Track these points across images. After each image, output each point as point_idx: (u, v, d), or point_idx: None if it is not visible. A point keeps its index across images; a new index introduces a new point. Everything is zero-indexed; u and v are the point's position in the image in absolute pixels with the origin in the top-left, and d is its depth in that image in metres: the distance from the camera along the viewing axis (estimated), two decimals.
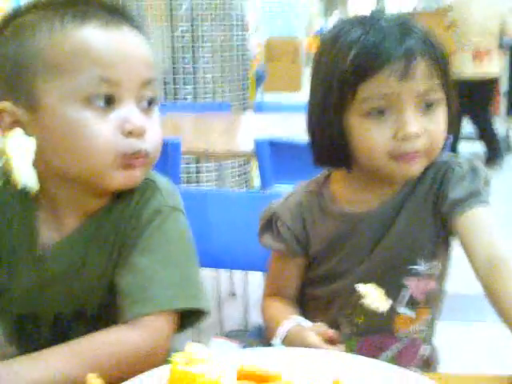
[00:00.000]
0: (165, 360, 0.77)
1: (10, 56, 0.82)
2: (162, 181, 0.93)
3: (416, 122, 0.93)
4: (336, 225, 1.04)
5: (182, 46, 3.51)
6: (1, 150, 0.80)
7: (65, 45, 0.79)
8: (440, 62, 0.94)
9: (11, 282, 0.90)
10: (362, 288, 0.87)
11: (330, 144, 0.99)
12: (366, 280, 0.95)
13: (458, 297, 2.65)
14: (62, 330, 0.91)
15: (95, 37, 0.80)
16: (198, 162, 3.52)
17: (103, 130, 0.80)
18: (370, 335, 1.05)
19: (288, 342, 0.93)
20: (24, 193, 0.87)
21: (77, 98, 0.79)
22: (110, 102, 0.81)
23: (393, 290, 1.02)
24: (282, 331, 0.94)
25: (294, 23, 10.92)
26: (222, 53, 3.59)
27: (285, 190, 1.14)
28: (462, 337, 2.45)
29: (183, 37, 3.51)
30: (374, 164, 0.97)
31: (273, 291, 1.12)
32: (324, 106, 0.98)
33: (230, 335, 1.22)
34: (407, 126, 0.92)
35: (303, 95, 9.10)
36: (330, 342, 0.87)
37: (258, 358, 0.71)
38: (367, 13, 1.03)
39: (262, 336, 1.18)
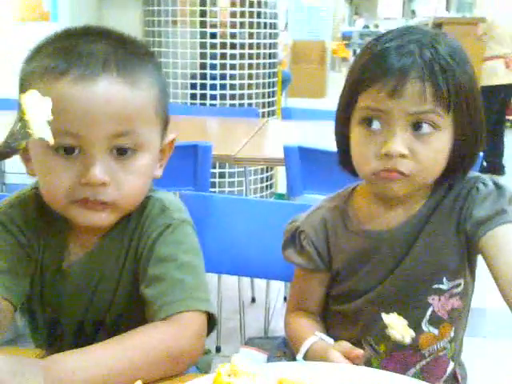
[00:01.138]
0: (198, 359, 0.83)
1: (21, 89, 0.87)
2: (168, 198, 0.97)
3: (402, 142, 0.92)
4: (359, 242, 1.04)
5: (211, 52, 3.53)
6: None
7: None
8: (448, 88, 0.91)
9: (42, 291, 0.96)
10: (386, 318, 0.86)
11: (341, 148, 1.03)
12: (389, 298, 0.94)
13: (483, 311, 2.62)
14: (85, 337, 0.96)
15: (65, 93, 0.82)
16: (221, 166, 3.53)
17: (62, 179, 0.84)
18: (394, 352, 1.05)
19: (310, 357, 0.93)
20: (58, 217, 0.93)
21: (45, 146, 0.83)
22: (72, 151, 0.84)
23: (416, 307, 1.02)
24: (305, 347, 0.95)
25: (320, 27, 10.89)
26: (250, 59, 3.60)
27: (313, 200, 1.14)
28: (490, 352, 2.42)
29: (212, 42, 3.52)
30: (363, 177, 0.99)
31: (296, 306, 1.12)
32: (337, 112, 1.02)
33: (252, 342, 1.22)
34: (390, 144, 0.92)
35: (328, 102, 9.04)
36: (353, 360, 0.87)
37: (297, 372, 0.72)
38: (403, 23, 1.03)
39: (287, 347, 1.18)
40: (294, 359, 1.13)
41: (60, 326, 0.97)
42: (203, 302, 0.87)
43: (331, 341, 0.95)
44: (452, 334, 1.06)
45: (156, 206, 0.94)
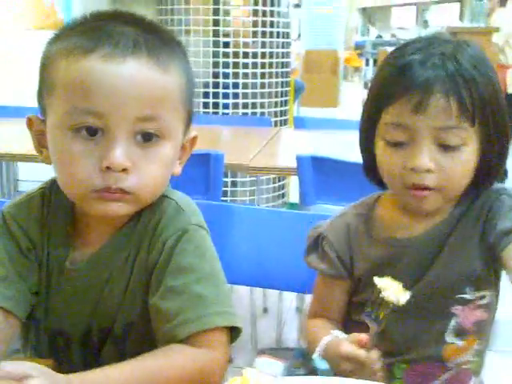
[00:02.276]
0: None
1: (42, 72, 0.86)
2: (184, 199, 0.93)
3: (428, 156, 0.92)
4: (382, 250, 1.03)
5: (224, 61, 3.53)
6: None
7: (66, 73, 0.81)
8: (473, 101, 0.91)
9: (47, 296, 0.92)
10: (379, 282, 0.86)
11: (365, 160, 1.03)
12: (412, 307, 0.93)
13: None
14: (91, 348, 0.92)
15: (92, 69, 0.79)
16: (232, 175, 3.52)
17: (82, 164, 0.81)
18: (417, 363, 1.03)
19: (326, 355, 0.94)
20: (61, 209, 0.91)
21: (66, 126, 0.81)
22: (94, 133, 0.81)
23: (440, 318, 1.01)
24: (321, 346, 0.95)
25: (332, 36, 10.89)
26: (263, 68, 3.60)
27: (326, 210, 1.13)
28: (500, 367, 2.38)
29: (225, 51, 3.53)
30: (393, 190, 1.00)
31: (317, 313, 1.11)
32: (361, 124, 1.02)
33: (264, 353, 1.20)
34: (417, 160, 0.92)
35: (340, 111, 9.03)
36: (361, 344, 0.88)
37: None
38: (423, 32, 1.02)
39: (305, 358, 1.17)
40: (313, 369, 1.13)
41: (65, 336, 0.93)
42: (226, 316, 0.83)
43: (345, 336, 0.95)
44: (476, 347, 1.04)
45: (171, 206, 0.90)
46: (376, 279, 0.87)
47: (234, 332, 0.85)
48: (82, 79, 0.79)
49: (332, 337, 0.96)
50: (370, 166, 1.02)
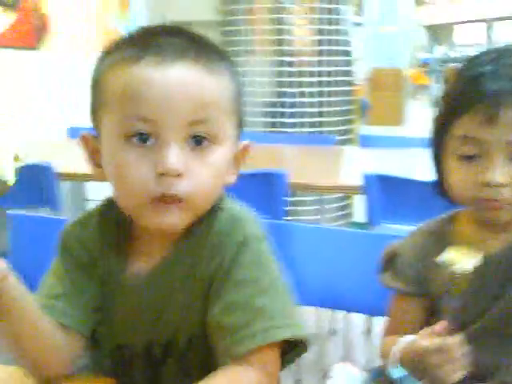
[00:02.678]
0: None
1: (93, 89, 0.87)
2: (244, 210, 0.91)
3: (501, 171, 0.89)
4: None
5: (288, 81, 3.54)
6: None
7: (116, 83, 0.81)
8: None
9: (109, 312, 0.92)
10: (444, 257, 0.84)
11: (437, 176, 1.01)
12: (489, 329, 0.89)
13: None
14: (154, 363, 0.91)
15: (141, 76, 0.80)
16: (296, 194, 3.50)
17: (138, 171, 0.80)
18: None
19: (403, 361, 0.91)
20: (119, 225, 0.91)
21: (119, 136, 0.81)
22: (146, 139, 0.80)
23: None
24: (395, 353, 0.93)
25: (397, 54, 10.78)
26: (328, 86, 3.59)
27: (392, 230, 1.10)
28: None
29: (289, 71, 3.53)
30: (465, 204, 0.97)
31: (392, 333, 1.06)
32: (431, 139, 0.99)
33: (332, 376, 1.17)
34: (489, 174, 0.89)
35: (406, 130, 8.87)
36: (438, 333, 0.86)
37: None
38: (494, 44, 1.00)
39: (384, 376, 1.14)
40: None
41: (128, 351, 0.92)
42: (287, 329, 0.81)
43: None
44: None
45: (229, 217, 0.89)
46: (440, 257, 0.84)
47: (299, 346, 0.83)
48: (131, 87, 0.80)
49: (405, 342, 0.93)
50: (441, 180, 1.00)
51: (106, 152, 0.85)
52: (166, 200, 0.80)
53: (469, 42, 17.11)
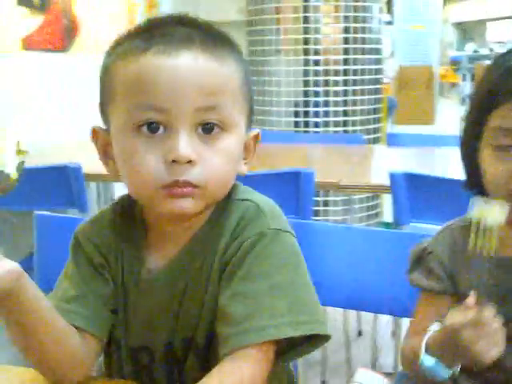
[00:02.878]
0: None
1: (102, 81, 0.87)
2: (265, 202, 0.90)
3: None
4: (490, 268, 0.96)
5: (314, 80, 3.52)
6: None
7: (124, 74, 0.81)
8: None
9: (126, 313, 0.91)
10: (473, 213, 0.83)
11: (468, 169, 0.98)
12: None
13: None
14: (175, 362, 0.90)
15: (149, 65, 0.79)
16: (324, 194, 3.48)
17: (148, 160, 0.80)
18: None
19: (435, 346, 0.88)
20: (133, 222, 0.91)
21: (128, 126, 0.81)
22: (156, 129, 0.80)
23: None
24: (425, 339, 0.89)
25: (427, 52, 10.66)
26: (354, 85, 3.56)
27: (421, 229, 1.08)
28: None
29: (315, 70, 3.51)
30: (497, 197, 0.92)
31: (418, 333, 1.00)
32: (464, 133, 0.98)
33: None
34: None
35: (437, 129, 8.75)
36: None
37: None
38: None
39: (408, 379, 1.11)
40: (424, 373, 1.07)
41: (148, 352, 0.91)
42: (297, 326, 0.80)
43: None
44: None
45: (251, 209, 0.87)
46: (468, 213, 0.83)
47: (317, 339, 0.82)
48: (139, 76, 0.79)
49: (435, 329, 0.90)
50: (473, 178, 0.98)
51: (117, 143, 0.84)
52: (179, 185, 0.80)
53: (501, 39, 16.85)
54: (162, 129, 0.80)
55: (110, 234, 0.92)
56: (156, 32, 0.82)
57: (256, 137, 0.92)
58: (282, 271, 0.83)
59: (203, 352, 0.88)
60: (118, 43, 0.86)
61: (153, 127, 0.80)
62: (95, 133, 0.89)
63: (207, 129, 0.81)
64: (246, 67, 0.88)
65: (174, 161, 0.79)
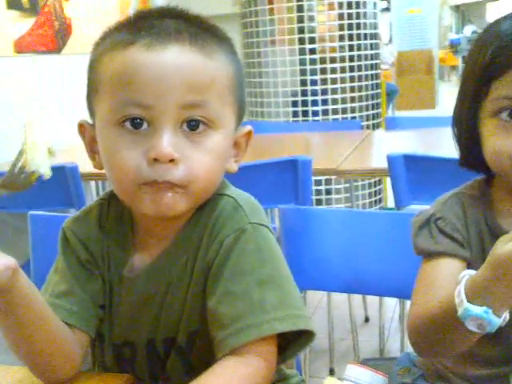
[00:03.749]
0: None
1: (89, 73, 0.85)
2: (243, 196, 0.88)
3: None
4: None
5: (311, 68, 3.50)
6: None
7: (109, 67, 0.80)
8: None
9: (111, 308, 0.90)
10: None
11: (465, 145, 0.95)
12: None
13: None
14: (157, 359, 0.89)
15: (134, 59, 0.78)
16: (327, 183, 3.47)
17: (130, 157, 0.78)
18: None
19: (476, 293, 0.77)
20: (119, 219, 0.90)
21: (112, 121, 0.79)
22: (140, 124, 0.78)
23: None
24: (460, 290, 0.78)
25: (425, 36, 10.60)
26: (351, 72, 3.53)
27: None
28: None
29: (311, 58, 3.49)
30: (500, 172, 0.91)
31: (426, 304, 0.92)
32: (461, 103, 0.95)
33: (367, 364, 1.13)
34: None
35: (439, 112, 8.73)
36: None
37: None
38: None
39: (411, 362, 1.08)
40: (421, 375, 1.04)
41: (130, 348, 0.90)
42: (289, 320, 0.78)
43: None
44: None
45: (229, 204, 0.86)
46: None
47: (306, 335, 0.80)
48: (123, 71, 0.78)
49: (470, 275, 0.79)
50: (471, 155, 0.95)
51: (101, 138, 0.83)
52: (159, 186, 0.78)
53: None
54: (145, 124, 0.78)
55: (97, 231, 0.91)
56: (143, 25, 0.80)
57: (248, 134, 0.90)
58: (266, 265, 0.81)
59: (185, 350, 0.87)
60: (107, 35, 0.84)
61: (136, 123, 0.78)
62: (82, 127, 0.88)
63: (192, 126, 0.79)
64: (237, 61, 0.86)
65: (155, 159, 0.77)
